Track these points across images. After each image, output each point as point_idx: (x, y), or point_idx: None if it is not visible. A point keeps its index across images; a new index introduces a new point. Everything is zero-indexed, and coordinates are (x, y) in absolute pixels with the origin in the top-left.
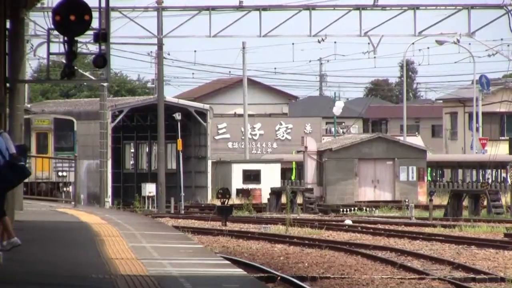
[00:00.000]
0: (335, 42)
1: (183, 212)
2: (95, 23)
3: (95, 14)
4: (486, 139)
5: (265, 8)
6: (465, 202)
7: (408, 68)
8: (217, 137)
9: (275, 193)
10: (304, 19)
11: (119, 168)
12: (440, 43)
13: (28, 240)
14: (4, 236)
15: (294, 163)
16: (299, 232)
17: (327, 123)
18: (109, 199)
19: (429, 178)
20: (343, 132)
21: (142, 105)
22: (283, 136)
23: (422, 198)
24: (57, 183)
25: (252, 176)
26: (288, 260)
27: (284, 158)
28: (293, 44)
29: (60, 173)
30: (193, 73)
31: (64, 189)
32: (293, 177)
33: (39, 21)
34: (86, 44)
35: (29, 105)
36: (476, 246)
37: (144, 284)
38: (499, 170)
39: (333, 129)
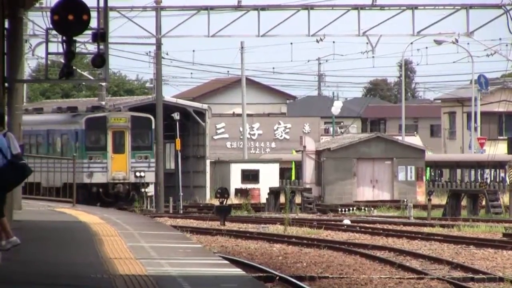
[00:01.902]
0: (333, 42)
1: (181, 212)
2: (93, 23)
3: (94, 14)
4: (485, 138)
5: (263, 8)
6: (464, 202)
7: (407, 68)
8: (215, 137)
9: (274, 193)
10: (302, 18)
11: None
12: (438, 43)
13: (26, 240)
14: (3, 236)
15: (293, 162)
16: (297, 231)
17: (325, 122)
18: None
19: (428, 178)
20: (342, 132)
21: (141, 105)
22: (281, 136)
23: (421, 198)
24: (135, 184)
25: (250, 176)
26: (287, 259)
27: (283, 158)
28: (291, 43)
29: (138, 173)
30: (191, 73)
31: (142, 190)
32: (292, 177)
33: (37, 21)
34: (85, 44)
35: (103, 102)
36: (474, 246)
37: (143, 284)
38: (497, 170)
39: (331, 129)
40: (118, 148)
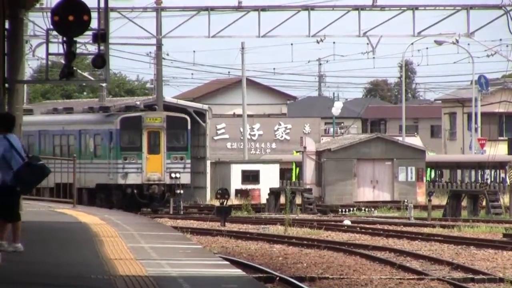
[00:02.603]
0: (334, 43)
1: (182, 212)
2: (94, 24)
3: (94, 15)
4: (485, 139)
5: (264, 9)
6: (464, 203)
7: (407, 69)
8: (216, 138)
9: (274, 194)
10: (303, 19)
11: None
12: (439, 43)
13: (27, 241)
14: (9, 238)
15: (294, 163)
16: (298, 232)
17: (326, 123)
18: None
19: (428, 179)
20: (342, 133)
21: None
22: (282, 137)
23: (421, 199)
24: (170, 185)
25: (251, 177)
26: (287, 260)
27: (283, 159)
28: (292, 44)
29: (173, 175)
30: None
31: (177, 191)
32: (293, 178)
33: (38, 22)
34: (85, 45)
35: (137, 102)
36: (475, 247)
37: (143, 285)
38: (498, 171)
39: (332, 129)
40: (153, 149)
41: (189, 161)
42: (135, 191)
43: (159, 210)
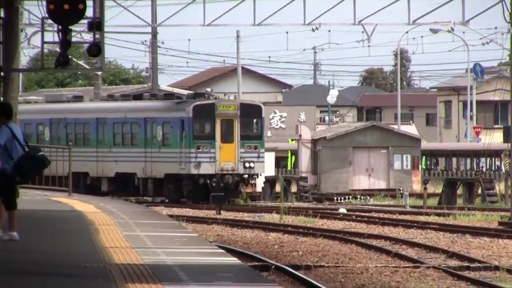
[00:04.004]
0: (329, 31)
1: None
2: (89, 12)
3: (89, 3)
4: (480, 127)
5: None
6: (460, 191)
7: (402, 57)
8: None
9: (270, 182)
10: (298, 7)
11: None
12: (434, 31)
13: (22, 229)
14: (5, 227)
15: (289, 151)
16: (293, 220)
17: (321, 111)
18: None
19: (424, 167)
20: (337, 121)
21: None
22: (277, 125)
23: (417, 187)
24: (243, 175)
25: None
26: (283, 248)
27: (279, 147)
28: (287, 32)
29: (247, 164)
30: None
31: (251, 181)
32: (289, 166)
33: (33, 10)
34: (80, 33)
35: (208, 89)
36: (470, 235)
37: (138, 273)
38: (493, 159)
39: (327, 117)
40: (227, 137)
41: (263, 150)
42: (208, 181)
43: (232, 201)
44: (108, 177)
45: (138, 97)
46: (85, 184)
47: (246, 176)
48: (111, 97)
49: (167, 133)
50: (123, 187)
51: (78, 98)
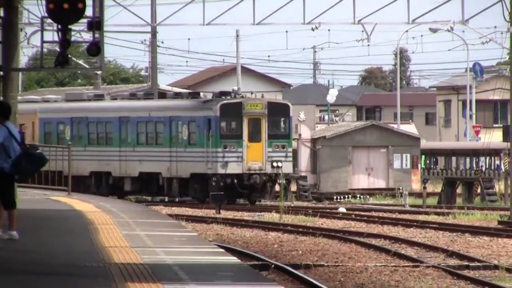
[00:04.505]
0: (329, 30)
1: (177, 200)
2: (88, 11)
3: (89, 2)
4: (480, 126)
5: None
6: (459, 190)
7: (402, 56)
8: None
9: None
10: (298, 6)
11: None
12: (433, 30)
13: (21, 229)
14: (5, 226)
15: None
16: (293, 220)
17: (321, 111)
18: None
19: (423, 166)
20: (337, 120)
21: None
22: None
23: (416, 186)
24: (271, 175)
25: None
26: (282, 248)
27: None
28: (286, 32)
29: (274, 164)
30: (187, 61)
31: (279, 181)
32: None
33: (33, 9)
34: (80, 32)
35: (235, 88)
36: (470, 234)
37: (138, 273)
38: (492, 158)
39: (326, 117)
40: (254, 137)
41: (290, 149)
42: (235, 180)
43: (259, 201)
44: (131, 177)
45: (162, 95)
46: (108, 184)
47: (273, 175)
48: (133, 96)
49: (193, 132)
50: (147, 187)
51: (99, 97)
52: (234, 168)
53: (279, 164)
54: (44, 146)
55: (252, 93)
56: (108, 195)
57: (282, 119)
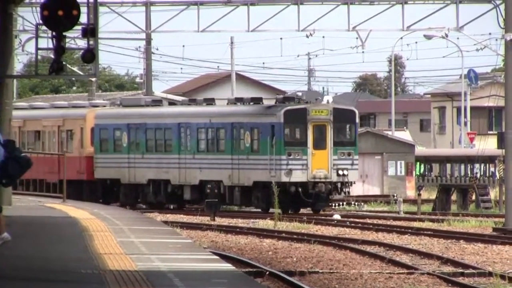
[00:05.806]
0: (323, 37)
1: (171, 207)
2: (83, 18)
3: (83, 9)
4: (475, 133)
5: (253, 3)
6: (454, 197)
7: (397, 63)
8: None
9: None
10: (292, 13)
11: None
12: (428, 37)
13: (17, 236)
14: None
15: None
16: (287, 226)
17: None
18: None
19: (418, 173)
20: None
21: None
22: None
23: (411, 193)
24: (336, 183)
25: None
26: (277, 255)
27: None
28: (281, 39)
29: (340, 172)
30: (181, 68)
31: (345, 190)
32: None
33: (27, 16)
34: (75, 39)
35: (299, 93)
36: (464, 241)
37: (133, 279)
38: (487, 165)
39: None
40: (319, 144)
41: (357, 157)
42: (300, 189)
43: (323, 210)
44: (191, 185)
45: (236, 101)
46: (166, 192)
47: (339, 184)
48: (193, 101)
49: (256, 139)
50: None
51: (157, 102)
52: (298, 176)
53: (345, 172)
54: (34, 153)
55: (317, 99)
56: (166, 204)
57: (348, 125)
